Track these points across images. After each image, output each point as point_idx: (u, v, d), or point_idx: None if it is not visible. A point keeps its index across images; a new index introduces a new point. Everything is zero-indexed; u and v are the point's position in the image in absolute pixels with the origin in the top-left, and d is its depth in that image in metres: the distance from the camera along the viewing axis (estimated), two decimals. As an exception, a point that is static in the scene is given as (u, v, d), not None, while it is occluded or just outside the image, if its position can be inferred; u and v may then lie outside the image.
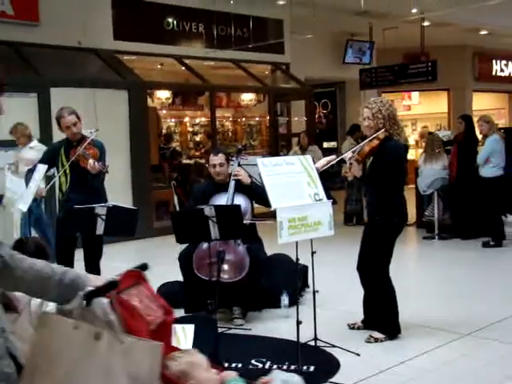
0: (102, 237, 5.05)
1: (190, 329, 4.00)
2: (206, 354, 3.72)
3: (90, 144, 5.15)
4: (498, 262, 7.33)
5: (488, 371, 4.00)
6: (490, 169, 8.02)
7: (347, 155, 4.53)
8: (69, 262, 5.13)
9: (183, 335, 3.99)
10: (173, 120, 13.40)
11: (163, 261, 7.87)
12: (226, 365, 4.09)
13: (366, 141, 4.50)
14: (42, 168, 5.03)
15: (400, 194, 4.66)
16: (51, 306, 2.10)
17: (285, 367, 4.10)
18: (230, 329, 4.92)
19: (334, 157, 4.66)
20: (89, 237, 5.00)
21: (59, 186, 5.25)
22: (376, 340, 4.53)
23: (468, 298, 5.78)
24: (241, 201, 5.14)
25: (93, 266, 5.14)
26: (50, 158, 5.28)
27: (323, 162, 4.60)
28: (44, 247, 2.91)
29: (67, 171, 5.14)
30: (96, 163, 4.97)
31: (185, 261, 5.19)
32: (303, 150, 10.49)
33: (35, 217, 7.18)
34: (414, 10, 12.42)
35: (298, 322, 4.09)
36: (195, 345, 3.87)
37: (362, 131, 10.37)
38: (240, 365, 4.17)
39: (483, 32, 15.80)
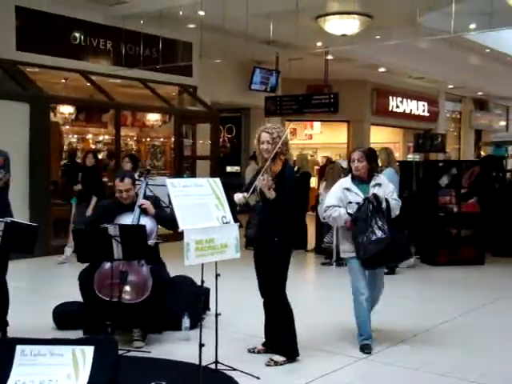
0: (7, 252, 4.84)
1: (89, 351, 3.92)
2: (105, 377, 3.68)
3: None
4: (393, 289, 7.60)
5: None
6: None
7: (258, 182, 4.52)
8: None
9: (82, 357, 3.90)
10: (75, 136, 13.07)
11: (61, 280, 7.66)
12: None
13: (268, 162, 4.55)
14: None
15: (293, 215, 4.79)
16: None
17: (185, 390, 4.08)
18: (130, 351, 4.83)
19: (245, 194, 4.59)
20: None
21: None
22: (276, 363, 4.59)
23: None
24: (146, 221, 5.08)
25: None
26: None
27: (241, 198, 4.55)
28: None
29: None
30: None
31: (85, 280, 5.05)
32: None
33: None
34: (319, 44, 12.94)
35: (201, 345, 4.09)
36: (94, 367, 3.81)
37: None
38: (139, 388, 4.10)
39: (381, 69, 16.64)
